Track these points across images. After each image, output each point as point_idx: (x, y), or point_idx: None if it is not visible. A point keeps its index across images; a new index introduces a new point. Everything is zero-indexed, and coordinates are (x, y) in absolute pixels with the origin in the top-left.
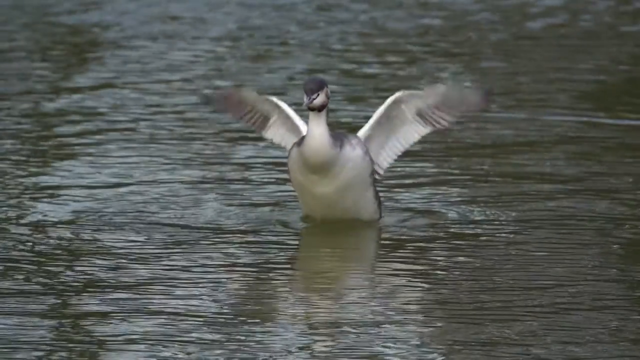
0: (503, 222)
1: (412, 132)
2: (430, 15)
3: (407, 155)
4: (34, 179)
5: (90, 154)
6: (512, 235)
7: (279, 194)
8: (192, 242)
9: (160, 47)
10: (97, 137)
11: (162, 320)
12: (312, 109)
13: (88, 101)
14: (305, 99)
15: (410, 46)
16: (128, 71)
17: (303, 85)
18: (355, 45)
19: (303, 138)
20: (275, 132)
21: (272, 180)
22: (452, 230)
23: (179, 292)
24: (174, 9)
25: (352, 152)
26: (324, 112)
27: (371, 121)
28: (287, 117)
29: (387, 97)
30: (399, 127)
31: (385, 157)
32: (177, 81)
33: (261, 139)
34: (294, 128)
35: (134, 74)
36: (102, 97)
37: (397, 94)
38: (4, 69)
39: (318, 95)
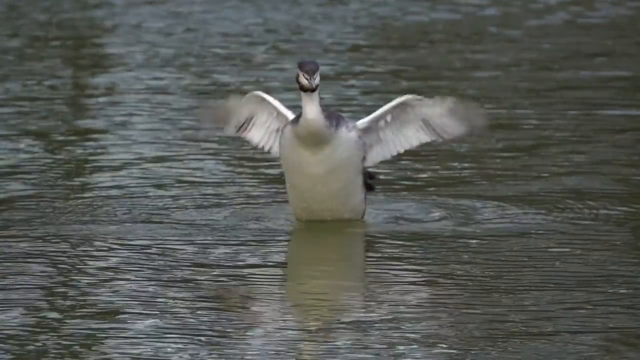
0: (510, 220)
1: (413, 138)
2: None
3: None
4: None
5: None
6: (519, 236)
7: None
8: (176, 245)
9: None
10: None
11: (145, 335)
12: (313, 90)
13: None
14: (312, 81)
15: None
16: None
17: (301, 66)
18: (364, 40)
19: (297, 118)
20: (259, 130)
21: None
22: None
23: (162, 299)
24: None
25: (348, 133)
26: (316, 92)
27: (372, 115)
28: (274, 108)
29: (393, 97)
30: (400, 129)
31: (377, 155)
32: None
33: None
34: (282, 117)
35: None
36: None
37: (406, 97)
38: None
39: (317, 75)
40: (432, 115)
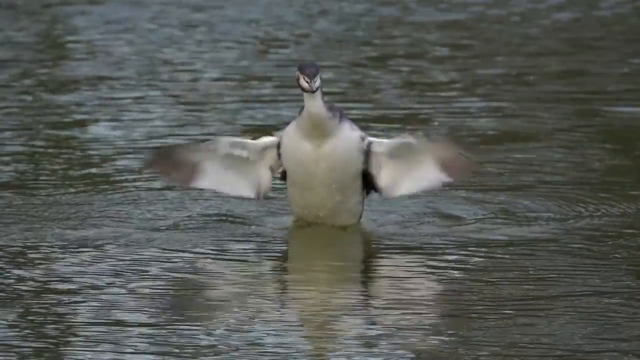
0: (505, 222)
1: (433, 178)
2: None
3: None
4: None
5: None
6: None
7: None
8: (172, 243)
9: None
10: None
11: (142, 329)
12: (313, 92)
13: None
14: (312, 84)
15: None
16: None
17: (301, 70)
18: (375, 39)
19: (299, 114)
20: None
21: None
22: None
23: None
24: None
25: (351, 132)
26: (318, 92)
27: (388, 141)
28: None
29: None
30: (416, 168)
31: (398, 185)
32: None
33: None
34: (268, 146)
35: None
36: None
37: (411, 140)
38: None
39: (317, 79)
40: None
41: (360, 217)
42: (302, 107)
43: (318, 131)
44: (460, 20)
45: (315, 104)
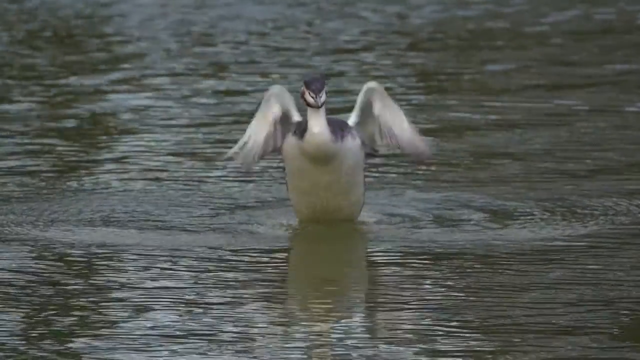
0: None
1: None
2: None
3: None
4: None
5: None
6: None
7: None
8: (176, 252)
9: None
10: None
11: (151, 341)
12: (318, 107)
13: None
14: (317, 100)
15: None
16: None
17: (307, 85)
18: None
19: (299, 126)
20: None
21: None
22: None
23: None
24: None
25: (353, 142)
26: (323, 107)
27: (356, 111)
28: (280, 107)
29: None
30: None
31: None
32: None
33: None
34: (288, 118)
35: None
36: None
37: (370, 85)
38: None
39: (323, 93)
40: (389, 123)
41: (362, 208)
42: (304, 124)
43: (321, 157)
44: (467, 16)
45: (318, 122)
